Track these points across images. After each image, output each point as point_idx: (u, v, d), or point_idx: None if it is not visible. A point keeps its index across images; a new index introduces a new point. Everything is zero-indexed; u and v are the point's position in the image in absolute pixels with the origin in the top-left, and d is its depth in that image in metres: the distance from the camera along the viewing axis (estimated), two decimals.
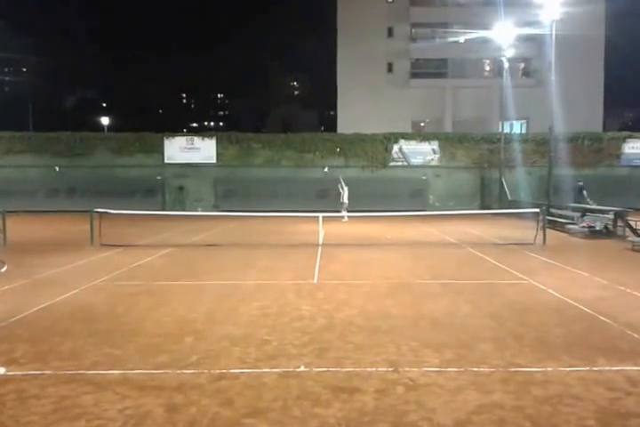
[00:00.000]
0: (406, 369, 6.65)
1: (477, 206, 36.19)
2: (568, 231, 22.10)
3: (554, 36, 26.38)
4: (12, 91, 77.47)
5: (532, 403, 5.69)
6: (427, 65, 55.30)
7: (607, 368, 6.68)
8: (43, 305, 9.94)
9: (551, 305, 10.00)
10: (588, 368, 6.68)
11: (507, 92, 36.97)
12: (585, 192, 26.32)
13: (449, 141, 38.10)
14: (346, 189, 29.01)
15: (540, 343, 7.69)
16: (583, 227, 21.42)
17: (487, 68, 55.97)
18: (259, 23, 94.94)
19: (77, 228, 22.04)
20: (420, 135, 40.33)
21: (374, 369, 6.66)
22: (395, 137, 38.13)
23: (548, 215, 22.31)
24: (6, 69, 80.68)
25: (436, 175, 37.56)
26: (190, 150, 37.77)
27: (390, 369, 6.66)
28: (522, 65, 54.72)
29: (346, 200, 28.79)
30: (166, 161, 37.69)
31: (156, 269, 14.30)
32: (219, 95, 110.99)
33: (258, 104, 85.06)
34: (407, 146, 37.88)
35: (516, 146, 36.69)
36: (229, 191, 36.60)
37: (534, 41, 46.93)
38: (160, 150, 37.69)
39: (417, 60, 55.18)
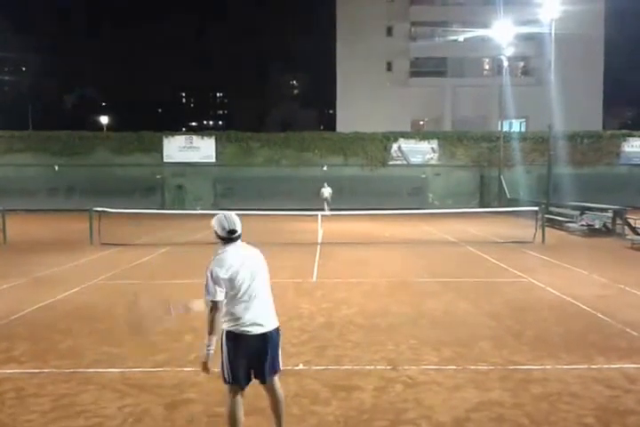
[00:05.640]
0: (405, 367, 6.66)
1: (476, 205, 36.20)
2: (567, 230, 22.10)
3: (553, 35, 26.39)
4: (11, 90, 77.45)
5: (531, 401, 5.70)
6: (426, 64, 55.23)
7: (606, 366, 6.70)
8: (42, 303, 9.96)
9: (550, 303, 10.01)
10: (586, 366, 6.69)
11: (506, 90, 36.96)
12: None
13: (448, 140, 38.07)
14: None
15: (539, 341, 7.70)
16: (582, 225, 21.43)
17: (487, 67, 55.92)
18: (258, 22, 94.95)
19: (77, 227, 22.02)
20: (419, 134, 40.32)
21: (373, 367, 6.68)
22: (394, 136, 38.10)
23: (548, 214, 22.34)
24: (6, 69, 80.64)
25: (436, 174, 37.54)
26: (189, 149, 37.76)
27: (389, 367, 6.68)
28: (521, 64, 54.69)
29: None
30: (165, 160, 37.66)
31: (155, 267, 14.31)
32: (218, 94, 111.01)
33: (257, 103, 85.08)
34: (406, 145, 37.86)
35: (516, 144, 36.69)
36: (228, 190, 36.56)
37: (534, 40, 46.93)
38: (159, 149, 37.67)
39: (416, 58, 55.09)
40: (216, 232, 4.67)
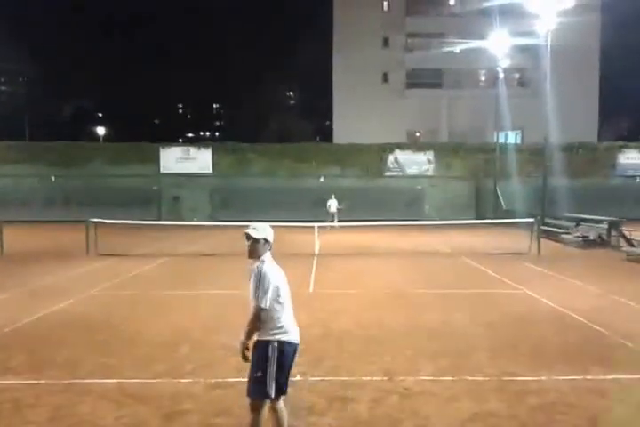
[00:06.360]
0: (401, 378, 6.67)
1: (472, 216, 36.16)
2: (563, 241, 22.15)
3: (549, 47, 26.52)
4: (8, 100, 77.50)
5: (527, 411, 5.72)
6: (422, 75, 55.34)
7: (601, 377, 6.72)
8: (39, 314, 9.94)
9: (546, 315, 10.04)
10: (582, 377, 6.72)
11: (502, 102, 37.11)
12: None
13: (444, 151, 38.19)
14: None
15: (535, 352, 7.73)
16: (577, 237, 21.48)
17: (482, 79, 56.06)
18: (255, 34, 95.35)
19: (73, 237, 21.95)
20: (415, 145, 40.45)
21: (369, 378, 6.69)
22: (390, 147, 38.22)
23: (543, 225, 22.37)
24: (2, 79, 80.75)
25: (432, 185, 37.59)
26: (186, 160, 37.80)
27: (385, 378, 6.69)
28: (517, 75, 54.86)
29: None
30: (162, 171, 37.67)
31: (152, 278, 14.30)
32: (214, 105, 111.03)
33: (254, 114, 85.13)
34: (403, 156, 37.97)
35: (511, 156, 36.77)
36: (225, 201, 36.53)
37: (529, 51, 46.95)
38: (156, 160, 37.69)
39: (412, 70, 55.21)
40: (267, 240, 4.88)
